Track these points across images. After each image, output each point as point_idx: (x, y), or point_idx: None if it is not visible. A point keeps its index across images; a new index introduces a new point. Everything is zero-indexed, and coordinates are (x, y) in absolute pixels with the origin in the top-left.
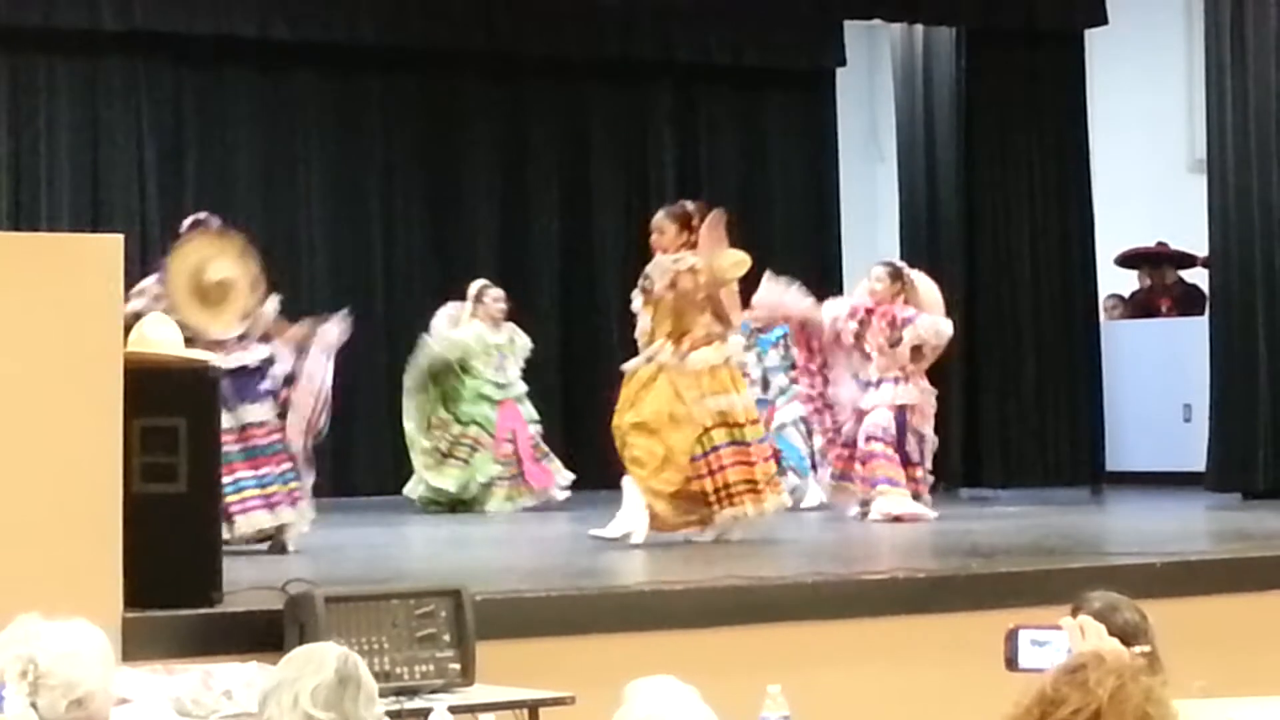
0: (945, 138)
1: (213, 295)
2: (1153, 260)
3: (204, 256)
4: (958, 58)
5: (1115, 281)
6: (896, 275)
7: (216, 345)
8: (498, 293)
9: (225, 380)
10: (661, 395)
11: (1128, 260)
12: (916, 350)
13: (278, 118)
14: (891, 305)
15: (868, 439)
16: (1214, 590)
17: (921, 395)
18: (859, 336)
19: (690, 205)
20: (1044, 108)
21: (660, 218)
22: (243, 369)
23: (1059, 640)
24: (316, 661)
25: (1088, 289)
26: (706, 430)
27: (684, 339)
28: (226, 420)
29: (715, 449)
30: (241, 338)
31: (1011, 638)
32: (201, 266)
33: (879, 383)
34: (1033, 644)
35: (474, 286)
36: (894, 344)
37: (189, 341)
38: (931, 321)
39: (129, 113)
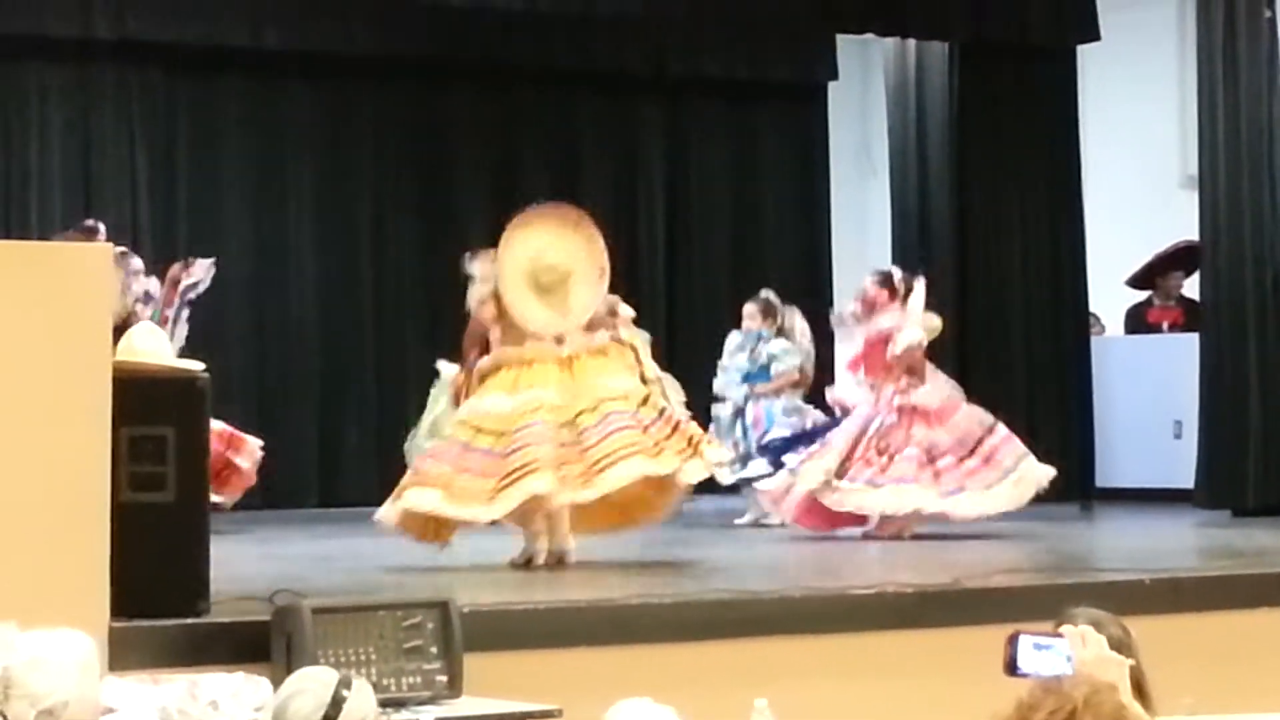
0: (937, 152)
1: None
2: (1166, 264)
3: None
4: (950, 72)
5: (1107, 297)
6: None
7: None
8: None
9: None
10: None
11: (1139, 280)
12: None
13: (269, 127)
14: None
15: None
16: (1203, 607)
17: None
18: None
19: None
20: (1036, 123)
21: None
22: None
23: (1060, 646)
24: (271, 696)
25: (1079, 304)
26: None
27: None
28: None
29: None
30: None
31: (1012, 642)
32: None
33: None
34: (1034, 648)
35: None
36: None
37: None
38: None
39: (121, 121)
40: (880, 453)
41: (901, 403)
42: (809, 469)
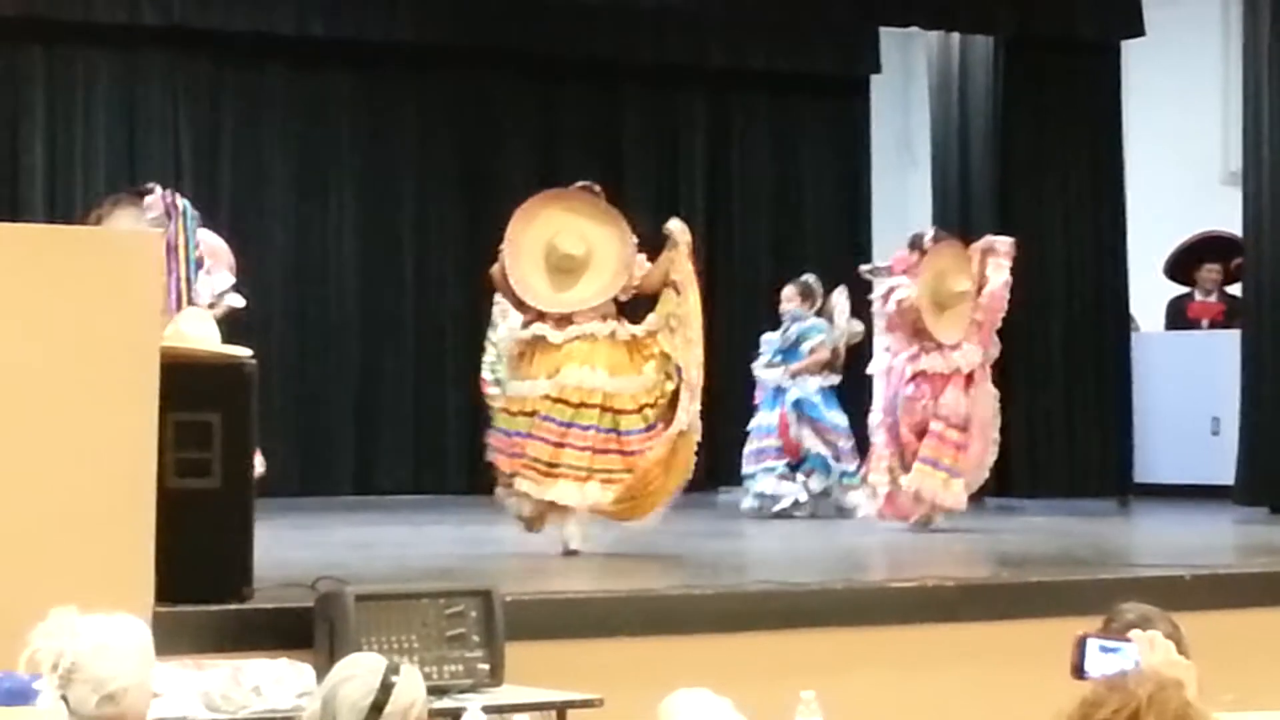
0: (979, 146)
1: None
2: (1200, 251)
3: None
4: (994, 66)
5: (1147, 293)
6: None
7: None
8: None
9: None
10: None
11: (1176, 266)
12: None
13: (313, 115)
14: None
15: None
16: (1243, 604)
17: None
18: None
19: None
20: (1079, 118)
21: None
22: None
23: (1129, 650)
24: (319, 686)
25: (1119, 299)
26: None
27: None
28: None
29: None
30: None
31: (1079, 645)
32: None
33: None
34: (1101, 650)
35: None
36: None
37: None
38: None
39: (166, 108)
40: (917, 435)
41: (915, 370)
42: (875, 480)
